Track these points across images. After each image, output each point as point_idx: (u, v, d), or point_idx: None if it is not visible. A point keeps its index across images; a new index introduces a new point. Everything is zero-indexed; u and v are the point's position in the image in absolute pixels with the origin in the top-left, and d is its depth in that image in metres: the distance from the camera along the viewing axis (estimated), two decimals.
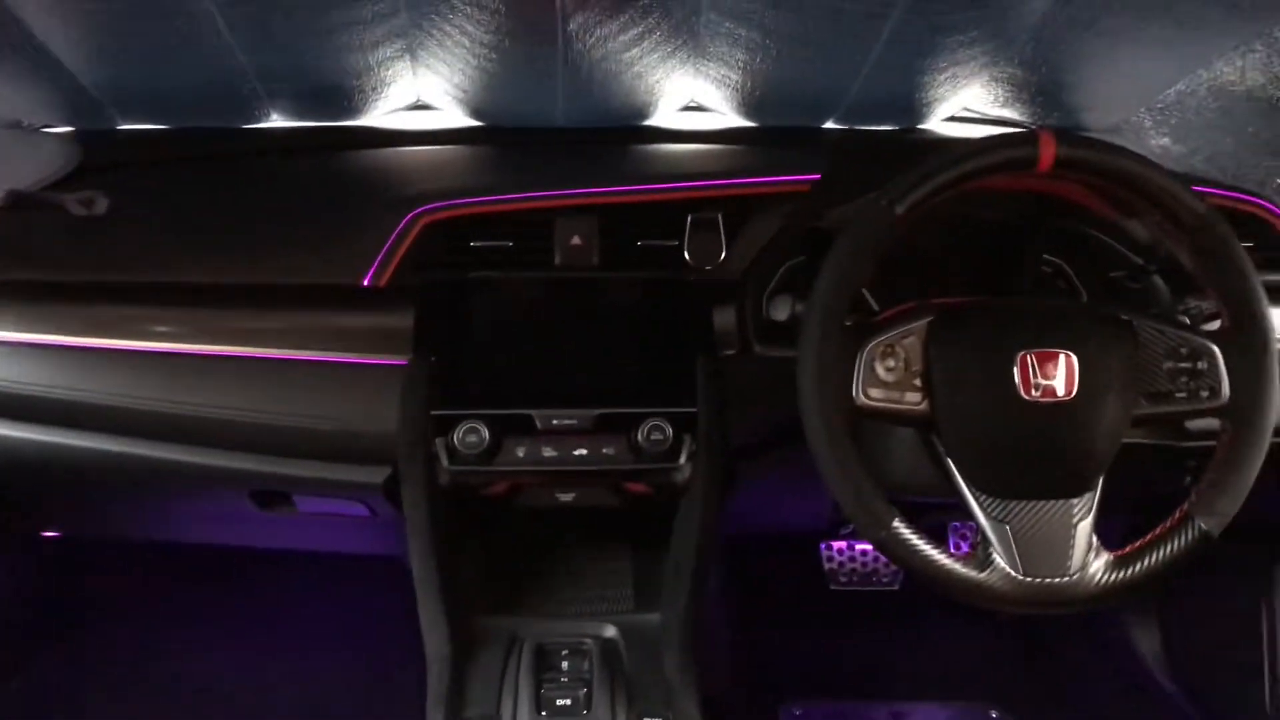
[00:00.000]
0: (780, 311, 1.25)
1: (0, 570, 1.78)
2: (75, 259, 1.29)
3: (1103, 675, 1.81)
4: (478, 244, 1.28)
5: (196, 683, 1.78)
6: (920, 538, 1.03)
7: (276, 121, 1.52)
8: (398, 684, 1.70)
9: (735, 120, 1.54)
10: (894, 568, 1.98)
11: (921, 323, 1.07)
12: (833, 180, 1.30)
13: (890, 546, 1.03)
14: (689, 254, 1.29)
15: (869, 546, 1.98)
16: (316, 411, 1.24)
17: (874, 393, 1.05)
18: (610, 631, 1.23)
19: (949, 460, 1.07)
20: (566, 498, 1.28)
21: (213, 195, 1.36)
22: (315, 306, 1.26)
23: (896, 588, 1.99)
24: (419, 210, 1.26)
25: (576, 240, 1.28)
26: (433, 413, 1.19)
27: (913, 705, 1.74)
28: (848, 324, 1.06)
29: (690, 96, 1.50)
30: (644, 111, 1.50)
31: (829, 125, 1.57)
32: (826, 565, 2.00)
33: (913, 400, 1.07)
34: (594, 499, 1.29)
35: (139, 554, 1.94)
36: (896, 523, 1.03)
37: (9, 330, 1.25)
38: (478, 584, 1.28)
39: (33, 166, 1.37)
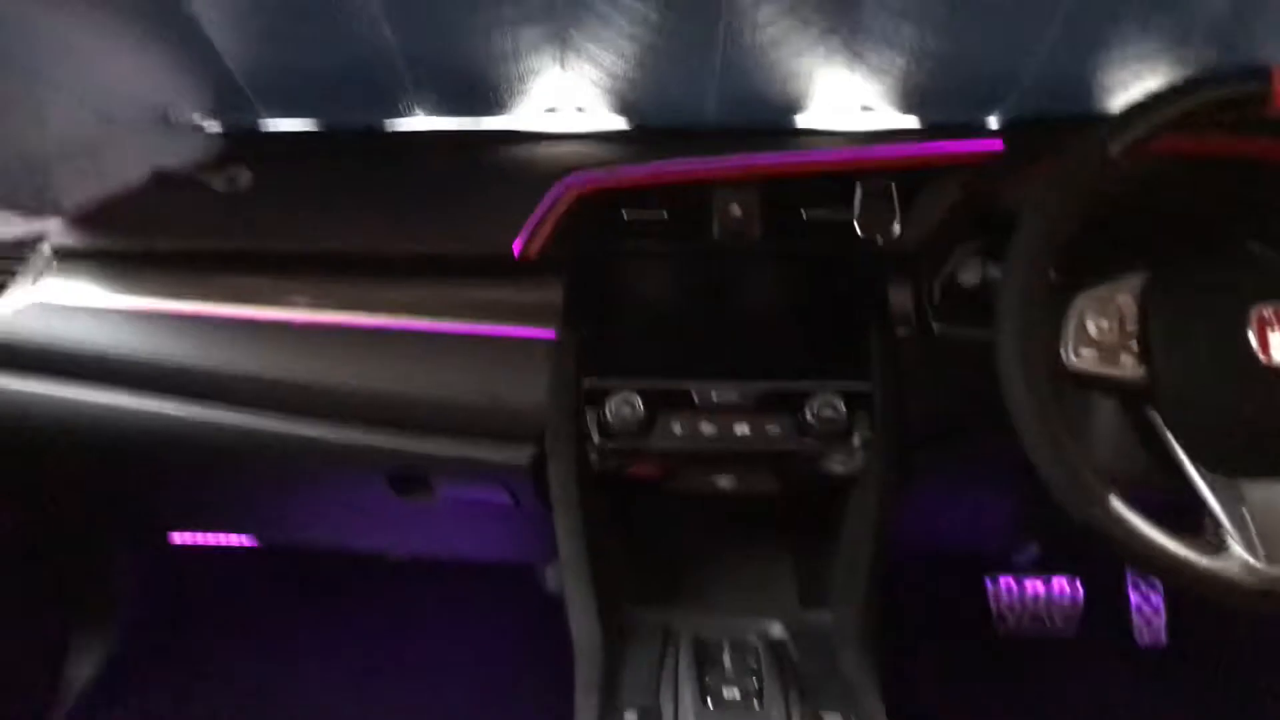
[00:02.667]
0: (970, 275, 1.15)
1: (128, 578, 1.74)
2: (217, 229, 1.27)
3: None
4: (631, 215, 1.22)
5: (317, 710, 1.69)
6: (1140, 516, 0.91)
7: (419, 118, 1.50)
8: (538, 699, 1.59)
9: (893, 119, 1.47)
10: (1070, 611, 1.80)
11: (1137, 276, 0.96)
12: (1017, 150, 1.21)
13: (1104, 525, 0.91)
14: (859, 226, 1.20)
15: (1042, 586, 1.81)
16: (461, 384, 1.19)
17: (1085, 353, 0.95)
18: (776, 629, 1.12)
19: (1169, 435, 0.94)
20: (725, 483, 1.18)
21: (358, 170, 1.34)
22: (463, 277, 1.22)
23: (1072, 635, 1.81)
24: (571, 180, 1.21)
25: (736, 212, 1.21)
26: (584, 382, 1.12)
27: None
28: (1053, 278, 0.95)
29: (845, 92, 1.44)
30: (797, 106, 1.44)
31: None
32: (993, 604, 1.83)
33: (1128, 365, 0.95)
34: (754, 485, 1.19)
35: (264, 563, 1.89)
36: (1112, 498, 0.91)
37: (149, 298, 1.23)
38: (626, 574, 1.18)
39: (177, 157, 1.37)
